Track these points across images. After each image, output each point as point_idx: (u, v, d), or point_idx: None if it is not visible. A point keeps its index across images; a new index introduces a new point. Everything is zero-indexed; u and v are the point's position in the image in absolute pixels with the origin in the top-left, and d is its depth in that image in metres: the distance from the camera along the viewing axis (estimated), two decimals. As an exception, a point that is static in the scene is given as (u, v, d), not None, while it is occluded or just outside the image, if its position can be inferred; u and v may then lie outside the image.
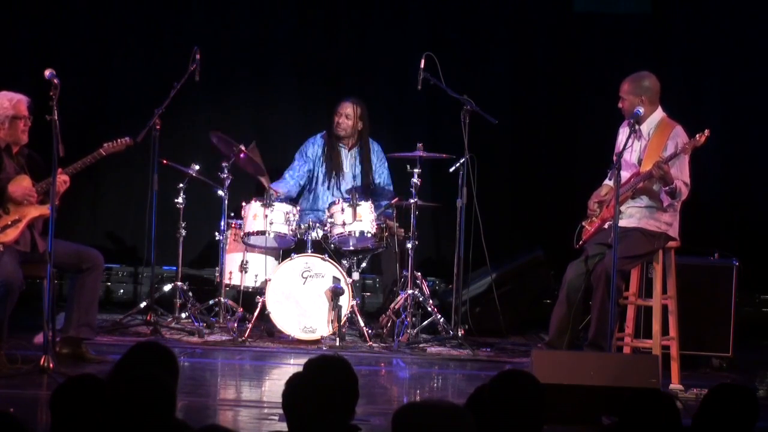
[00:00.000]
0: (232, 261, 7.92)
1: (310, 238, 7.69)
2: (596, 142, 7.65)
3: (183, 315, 7.89)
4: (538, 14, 9.28)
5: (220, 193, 7.86)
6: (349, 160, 8.25)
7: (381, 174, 8.26)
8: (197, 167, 7.91)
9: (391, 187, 8.21)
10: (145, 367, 3.40)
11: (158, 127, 7.77)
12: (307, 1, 9.31)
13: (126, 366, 3.56)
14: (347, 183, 8.16)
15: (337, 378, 3.26)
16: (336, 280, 7.50)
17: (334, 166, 8.20)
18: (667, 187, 6.41)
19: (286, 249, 7.94)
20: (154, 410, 3.19)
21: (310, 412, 3.20)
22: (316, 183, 8.28)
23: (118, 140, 6.81)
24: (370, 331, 7.63)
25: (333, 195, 8.12)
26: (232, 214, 7.94)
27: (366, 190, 8.06)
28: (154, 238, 7.89)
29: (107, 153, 6.75)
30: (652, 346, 6.48)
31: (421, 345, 7.55)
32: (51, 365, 6.01)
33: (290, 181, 8.28)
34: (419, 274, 7.82)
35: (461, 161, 7.60)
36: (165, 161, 7.87)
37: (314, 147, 8.28)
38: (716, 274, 7.40)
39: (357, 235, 7.66)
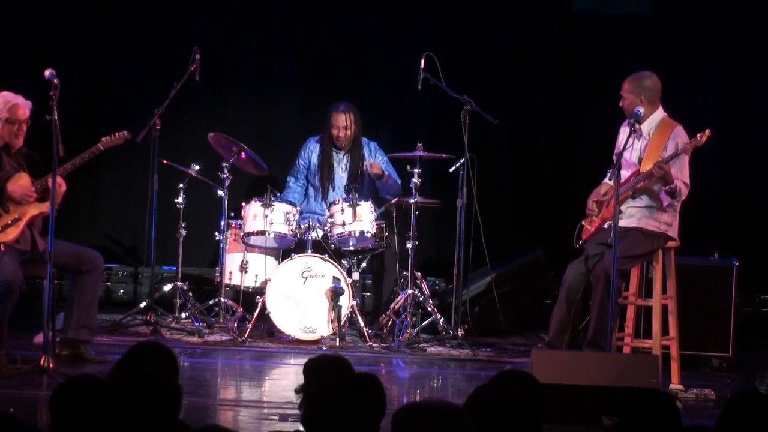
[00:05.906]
0: (232, 261, 7.92)
1: (310, 238, 7.69)
2: (596, 142, 7.65)
3: (183, 315, 7.90)
4: (538, 14, 9.28)
5: (220, 193, 7.86)
6: (342, 164, 8.21)
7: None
8: (197, 167, 7.92)
9: (399, 180, 8.15)
10: (145, 367, 3.39)
11: (158, 127, 7.77)
12: (307, 1, 9.32)
13: (126, 366, 3.56)
14: (337, 194, 8.12)
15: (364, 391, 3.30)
16: (336, 280, 7.50)
17: (327, 178, 8.17)
18: (667, 187, 6.40)
19: (286, 249, 7.94)
20: (156, 410, 3.19)
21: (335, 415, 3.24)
22: (310, 188, 8.29)
23: (116, 134, 6.78)
24: (370, 331, 7.63)
25: (322, 205, 8.11)
26: (232, 214, 7.95)
27: (359, 185, 8.03)
28: (154, 238, 7.89)
29: (105, 147, 6.72)
30: (652, 346, 6.47)
31: (421, 345, 7.55)
32: (51, 365, 6.00)
33: (296, 187, 8.29)
34: (419, 274, 7.82)
35: (461, 161, 7.60)
36: (165, 161, 7.87)
37: (311, 153, 8.25)
38: (716, 274, 7.39)
39: (357, 235, 7.66)
